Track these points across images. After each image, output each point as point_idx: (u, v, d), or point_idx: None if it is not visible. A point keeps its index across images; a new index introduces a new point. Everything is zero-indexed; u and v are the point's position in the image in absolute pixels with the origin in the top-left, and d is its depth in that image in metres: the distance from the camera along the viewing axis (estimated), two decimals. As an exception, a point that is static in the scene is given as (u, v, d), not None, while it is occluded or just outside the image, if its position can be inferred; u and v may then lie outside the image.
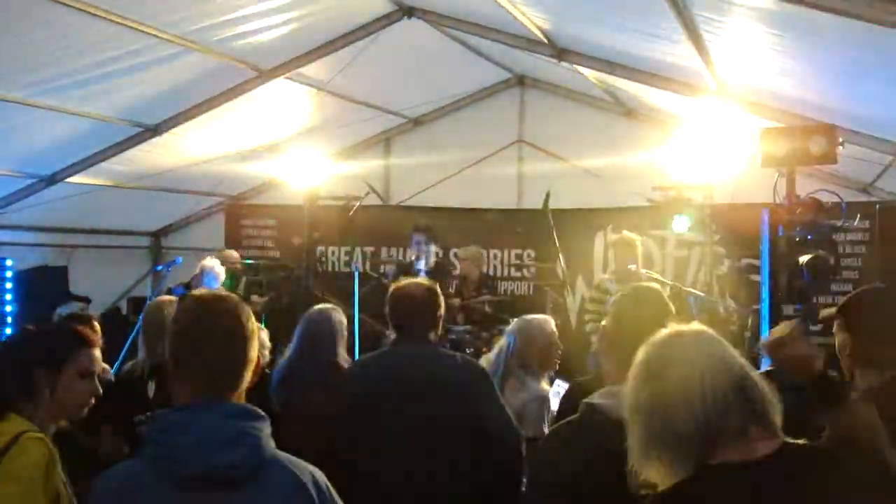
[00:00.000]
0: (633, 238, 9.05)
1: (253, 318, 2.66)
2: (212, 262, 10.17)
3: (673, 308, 3.52)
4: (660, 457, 2.38)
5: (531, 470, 3.31)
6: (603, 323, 3.65)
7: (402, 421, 4.57)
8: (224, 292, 2.75)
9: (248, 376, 2.61)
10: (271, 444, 2.56)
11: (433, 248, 10.13)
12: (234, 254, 12.60)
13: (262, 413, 2.58)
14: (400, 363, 4.81)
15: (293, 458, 2.62)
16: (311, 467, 2.64)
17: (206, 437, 2.45)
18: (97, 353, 3.55)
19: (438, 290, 5.04)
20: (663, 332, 2.52)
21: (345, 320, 6.15)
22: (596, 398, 3.25)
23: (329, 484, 2.64)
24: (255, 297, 11.80)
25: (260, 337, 6.49)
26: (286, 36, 9.14)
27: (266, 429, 2.56)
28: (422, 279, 5.45)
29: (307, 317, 6.07)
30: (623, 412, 3.00)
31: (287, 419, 5.63)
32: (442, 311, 4.97)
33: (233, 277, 12.01)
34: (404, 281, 5.15)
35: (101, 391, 3.55)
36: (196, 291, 2.78)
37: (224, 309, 2.62)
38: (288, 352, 6.07)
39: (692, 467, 2.35)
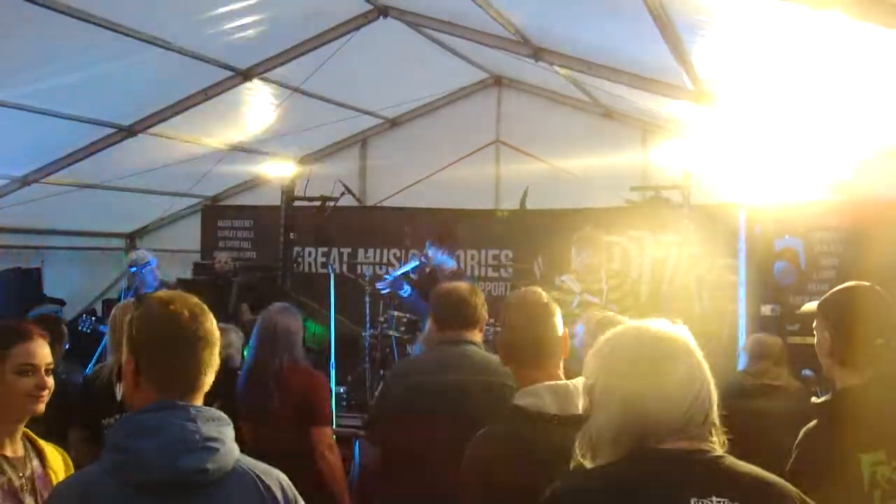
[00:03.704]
0: (594, 236, 9.01)
1: (214, 321, 2.61)
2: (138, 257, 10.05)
3: (556, 307, 3.54)
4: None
5: (465, 474, 3.33)
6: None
7: (445, 421, 4.55)
8: (187, 295, 2.69)
9: (210, 380, 2.57)
10: (236, 448, 2.51)
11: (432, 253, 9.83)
12: (223, 258, 12.57)
13: (227, 417, 2.53)
14: (442, 363, 4.80)
15: (259, 463, 2.58)
16: (278, 472, 2.59)
17: (170, 441, 2.40)
18: (35, 345, 3.46)
19: (479, 291, 5.06)
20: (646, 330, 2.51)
21: (300, 319, 6.11)
22: (518, 400, 3.33)
23: (295, 490, 2.60)
24: (244, 306, 11.68)
25: (229, 337, 6.48)
26: (261, 36, 9.08)
27: (230, 433, 2.51)
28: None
29: (261, 318, 6.05)
30: (545, 408, 3.21)
31: (250, 421, 5.64)
32: (484, 310, 4.97)
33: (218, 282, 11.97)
34: (449, 283, 5.21)
35: (50, 383, 3.48)
36: (159, 293, 2.72)
37: (188, 312, 2.57)
38: (248, 354, 6.04)
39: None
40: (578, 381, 3.27)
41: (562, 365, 3.43)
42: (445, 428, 4.50)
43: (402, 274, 9.83)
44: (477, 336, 4.87)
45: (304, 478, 5.03)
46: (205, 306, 2.63)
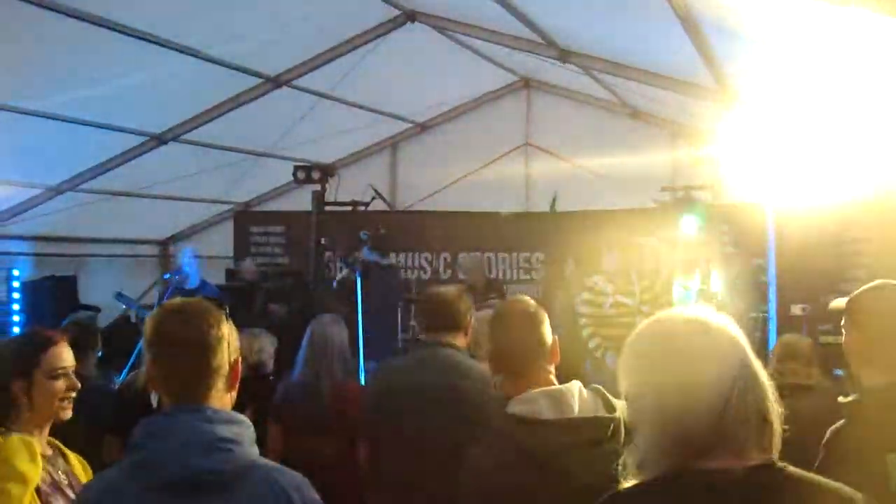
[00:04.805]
0: (626, 238, 9.01)
1: (223, 326, 2.64)
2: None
3: (546, 315, 3.55)
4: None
5: (463, 483, 3.35)
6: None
7: (409, 421, 4.60)
8: (194, 301, 2.74)
9: (218, 383, 2.59)
10: (254, 450, 2.55)
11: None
12: (250, 264, 12.65)
13: (244, 419, 2.57)
14: (420, 369, 4.81)
15: (277, 466, 2.61)
16: (297, 475, 2.62)
17: (187, 442, 2.45)
18: (62, 348, 3.56)
19: (467, 296, 5.05)
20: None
21: (346, 330, 6.16)
22: (513, 408, 3.29)
23: (315, 493, 2.62)
24: (273, 307, 11.74)
25: (261, 342, 6.53)
26: (291, 43, 9.16)
27: (248, 435, 2.55)
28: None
29: (313, 329, 6.06)
30: (541, 414, 3.16)
31: (300, 432, 5.67)
32: (470, 316, 4.96)
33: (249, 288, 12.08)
34: (436, 286, 5.22)
35: (79, 385, 3.57)
36: (171, 301, 2.79)
37: (185, 319, 2.61)
38: (297, 364, 6.06)
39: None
40: (573, 385, 3.31)
41: (554, 371, 3.45)
42: (410, 428, 4.58)
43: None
44: (459, 340, 4.84)
45: (345, 489, 5.13)
46: (215, 313, 2.65)
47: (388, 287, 10.49)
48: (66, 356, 3.56)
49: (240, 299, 10.88)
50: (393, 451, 4.72)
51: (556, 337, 3.52)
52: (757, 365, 2.17)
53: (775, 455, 2.15)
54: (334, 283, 11.04)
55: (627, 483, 2.21)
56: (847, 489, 2.18)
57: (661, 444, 2.13)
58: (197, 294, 8.97)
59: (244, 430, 2.55)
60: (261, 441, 2.60)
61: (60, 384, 3.49)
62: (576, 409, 3.21)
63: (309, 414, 5.77)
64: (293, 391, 5.94)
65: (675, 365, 2.13)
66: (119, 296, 10.33)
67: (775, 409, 2.15)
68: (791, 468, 2.15)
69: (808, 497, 2.13)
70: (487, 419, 4.43)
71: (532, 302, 3.63)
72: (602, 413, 3.19)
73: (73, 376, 3.55)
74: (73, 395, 3.53)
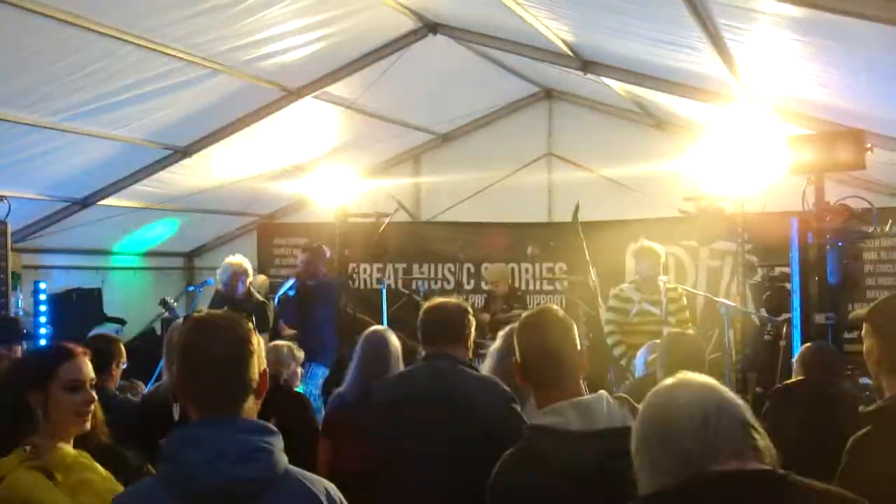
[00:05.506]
0: (653, 247, 8.99)
1: (253, 338, 2.66)
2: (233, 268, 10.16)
3: (574, 325, 3.52)
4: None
5: (491, 496, 3.34)
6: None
7: (421, 436, 4.61)
8: (224, 313, 2.76)
9: (247, 394, 2.62)
10: (284, 458, 2.58)
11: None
12: (262, 278, 12.68)
13: (274, 428, 2.60)
14: (421, 380, 4.83)
15: (306, 473, 2.64)
16: (325, 482, 2.65)
17: (220, 452, 2.47)
18: (80, 362, 3.57)
19: (468, 307, 5.05)
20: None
21: (398, 341, 6.16)
22: (541, 419, 3.30)
23: (343, 498, 2.65)
24: (282, 324, 11.80)
25: (280, 355, 6.55)
26: (313, 55, 9.19)
27: (279, 444, 2.58)
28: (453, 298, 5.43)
29: (366, 340, 6.07)
30: (570, 426, 3.19)
31: (354, 440, 5.66)
32: (471, 328, 4.96)
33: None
34: (437, 299, 5.20)
35: (96, 398, 3.60)
36: (196, 314, 2.80)
37: (216, 331, 2.64)
38: (349, 376, 6.08)
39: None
40: (600, 396, 3.29)
41: (582, 381, 3.43)
42: (415, 440, 4.61)
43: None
44: (460, 351, 4.84)
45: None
46: (245, 326, 2.68)
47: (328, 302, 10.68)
48: (83, 369, 3.57)
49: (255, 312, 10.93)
50: (398, 462, 4.73)
51: (583, 346, 3.50)
52: (732, 394, 2.46)
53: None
54: (276, 299, 11.11)
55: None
56: (850, 495, 2.39)
57: (667, 457, 2.38)
58: (241, 307, 9.03)
59: (275, 440, 2.59)
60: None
61: (76, 397, 3.51)
62: (604, 420, 3.21)
63: (359, 423, 5.77)
64: (344, 403, 5.96)
65: (664, 406, 2.47)
66: (163, 303, 10.43)
67: (757, 423, 2.42)
68: (795, 475, 2.33)
69: (810, 497, 2.32)
70: (492, 430, 4.45)
71: (560, 311, 3.63)
72: (630, 423, 3.18)
73: (89, 390, 3.57)
74: (92, 408, 3.55)
